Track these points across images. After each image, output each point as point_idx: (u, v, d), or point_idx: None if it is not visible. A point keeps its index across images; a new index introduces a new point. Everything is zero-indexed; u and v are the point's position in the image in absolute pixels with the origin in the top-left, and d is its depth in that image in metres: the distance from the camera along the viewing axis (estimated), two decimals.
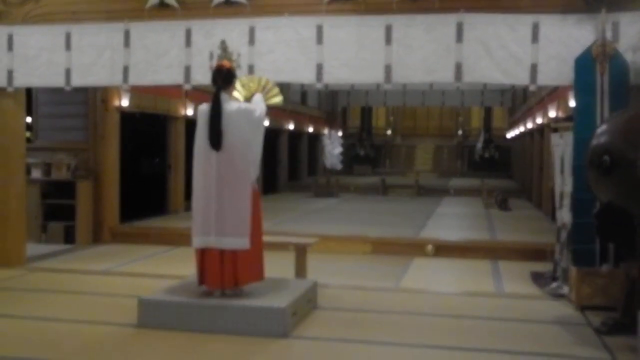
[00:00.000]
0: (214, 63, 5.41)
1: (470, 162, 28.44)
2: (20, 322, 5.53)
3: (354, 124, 30.29)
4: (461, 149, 29.01)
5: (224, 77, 5.34)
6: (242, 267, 5.24)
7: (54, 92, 9.78)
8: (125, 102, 10.45)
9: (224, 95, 5.30)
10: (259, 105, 5.43)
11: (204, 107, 5.33)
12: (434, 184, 21.86)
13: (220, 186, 5.20)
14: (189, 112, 12.88)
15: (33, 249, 8.89)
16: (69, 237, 9.76)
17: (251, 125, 5.28)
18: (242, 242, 5.21)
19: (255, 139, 5.29)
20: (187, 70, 7.40)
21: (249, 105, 5.33)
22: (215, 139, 5.19)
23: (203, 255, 5.29)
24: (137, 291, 6.13)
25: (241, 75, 5.77)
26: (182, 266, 7.88)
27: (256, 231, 5.32)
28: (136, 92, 10.56)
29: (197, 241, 5.29)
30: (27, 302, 6.22)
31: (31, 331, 5.29)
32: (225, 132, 5.19)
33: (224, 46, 5.43)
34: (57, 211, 9.82)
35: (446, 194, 19.51)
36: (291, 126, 20.76)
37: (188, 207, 12.63)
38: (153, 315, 5.29)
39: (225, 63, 5.37)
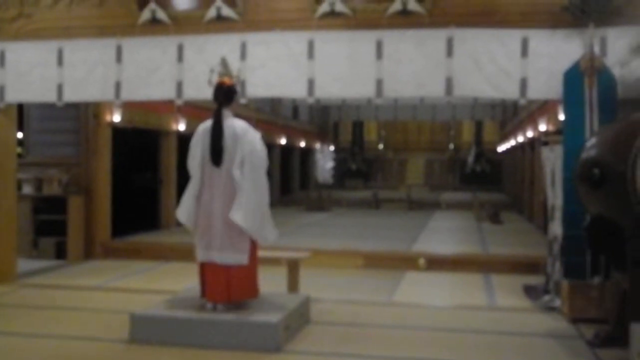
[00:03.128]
0: (214, 79, 5.41)
1: (461, 175, 28.50)
2: (11, 338, 5.49)
3: (346, 138, 30.31)
4: (453, 163, 29.07)
5: (224, 94, 5.35)
6: (235, 283, 5.24)
7: (46, 108, 9.75)
8: (117, 118, 10.45)
9: (225, 113, 5.31)
10: (259, 145, 5.33)
11: (205, 124, 5.36)
12: (426, 197, 21.88)
13: (219, 202, 5.21)
14: (181, 127, 12.88)
15: (24, 264, 8.83)
16: (60, 253, 9.70)
17: (249, 144, 5.24)
18: (240, 258, 5.22)
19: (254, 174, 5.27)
20: (179, 86, 7.41)
21: (254, 133, 5.30)
22: (217, 155, 5.20)
23: (204, 268, 5.30)
24: (129, 306, 6.09)
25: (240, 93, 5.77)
26: (174, 281, 7.84)
27: (252, 248, 5.33)
28: (128, 107, 10.55)
29: (201, 254, 5.31)
30: (18, 319, 6.17)
31: (22, 348, 5.24)
32: (225, 148, 5.20)
33: (224, 62, 5.44)
34: (48, 227, 9.77)
35: (438, 208, 19.53)
36: (283, 141, 20.77)
37: (180, 222, 12.61)
38: (145, 331, 5.26)
39: (227, 80, 5.38)
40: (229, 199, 5.19)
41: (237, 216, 5.11)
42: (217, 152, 5.20)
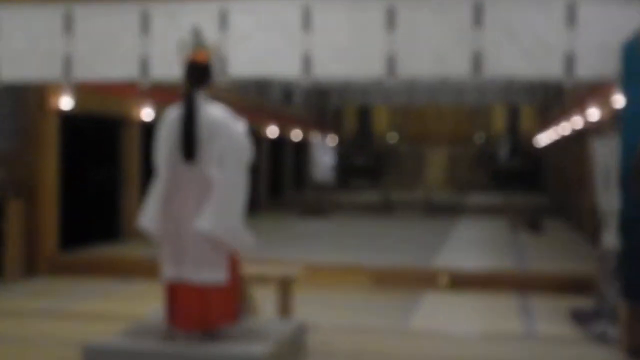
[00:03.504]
0: (185, 55, 5.37)
1: (492, 174, 28.54)
2: None
3: (350, 128, 30.34)
4: (482, 158, 29.12)
5: (198, 74, 5.29)
6: (215, 305, 5.21)
7: None
8: (66, 103, 10.42)
9: (199, 96, 5.25)
10: (243, 139, 5.33)
11: (175, 111, 5.29)
12: (448, 201, 21.88)
13: (194, 206, 5.16)
14: (147, 115, 12.88)
15: None
16: None
17: (229, 133, 5.24)
18: (218, 276, 5.19)
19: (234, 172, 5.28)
20: (145, 63, 7.41)
21: (237, 122, 5.28)
22: (189, 150, 5.14)
23: (172, 288, 5.27)
24: (82, 337, 6.08)
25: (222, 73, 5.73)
26: (139, 304, 7.83)
27: (232, 263, 5.31)
28: (80, 89, 10.52)
29: (166, 271, 5.27)
30: None
31: None
32: (200, 141, 5.14)
33: (197, 32, 5.37)
34: None
35: (463, 214, 19.52)
36: (273, 131, 20.79)
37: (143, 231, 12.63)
38: None
39: (201, 55, 5.33)
40: (204, 202, 5.15)
41: (204, 223, 5.08)
42: (189, 146, 5.14)
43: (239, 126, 5.29)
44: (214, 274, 5.18)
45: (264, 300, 7.09)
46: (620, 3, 6.64)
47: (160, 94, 12.16)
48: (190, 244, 5.16)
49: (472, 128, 30.15)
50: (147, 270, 9.13)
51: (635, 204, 5.72)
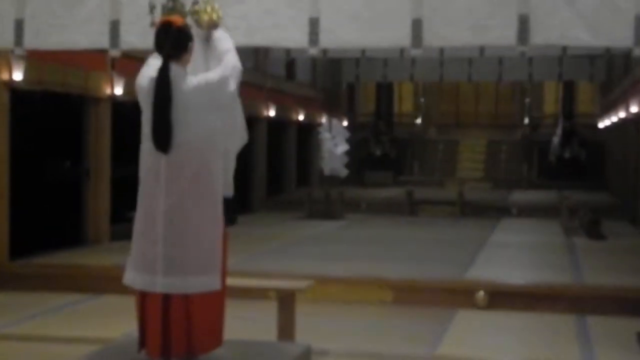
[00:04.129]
0: (157, 18, 5.39)
1: (542, 165, 28.48)
2: None
3: (367, 109, 30.30)
4: (528, 146, 29.05)
5: (174, 40, 5.29)
6: (199, 325, 5.22)
7: None
8: (18, 75, 10.43)
9: (175, 69, 5.25)
10: (229, 63, 5.35)
11: (145, 80, 5.27)
12: (487, 198, 21.82)
13: (172, 204, 5.18)
14: (117, 90, 12.89)
15: None
16: None
17: (220, 110, 5.27)
18: (212, 281, 5.20)
19: (228, 128, 5.31)
20: (114, 28, 7.42)
21: (216, 76, 5.28)
22: (162, 136, 5.14)
23: (144, 302, 5.27)
24: None
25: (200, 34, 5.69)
26: (108, 324, 7.84)
27: (223, 267, 5.34)
28: (35, 60, 10.54)
29: (134, 278, 5.26)
30: None
31: None
32: (179, 123, 5.14)
33: None
34: None
35: (505, 214, 19.46)
36: (270, 112, 20.78)
37: (117, 235, 12.63)
38: None
39: (176, 19, 5.34)
40: (188, 196, 5.17)
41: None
42: (162, 131, 5.15)
43: (221, 72, 5.29)
44: (208, 280, 5.19)
45: (263, 320, 7.10)
46: None
47: (134, 66, 12.14)
48: (172, 245, 5.17)
49: (517, 110, 30.06)
50: (117, 283, 9.13)
51: None
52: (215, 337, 5.35)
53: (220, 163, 5.31)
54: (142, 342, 5.29)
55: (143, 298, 5.25)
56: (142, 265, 5.22)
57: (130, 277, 5.28)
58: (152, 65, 5.28)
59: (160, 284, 5.15)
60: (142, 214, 5.27)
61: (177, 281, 5.17)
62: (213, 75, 5.27)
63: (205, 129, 5.19)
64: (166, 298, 5.17)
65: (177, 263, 5.16)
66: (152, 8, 5.37)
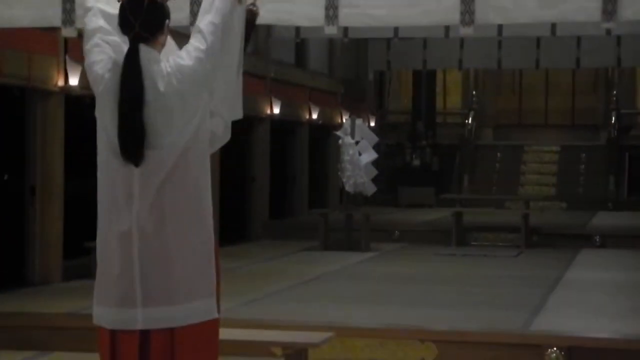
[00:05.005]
0: None
1: (635, 179, 28.41)
2: None
3: (401, 105, 30.36)
4: (617, 154, 28.97)
5: (145, 16, 5.36)
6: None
7: None
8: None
9: (146, 54, 5.33)
10: (208, 36, 5.41)
11: (106, 66, 5.34)
12: (562, 223, 21.80)
13: (148, 223, 5.25)
14: (73, 81, 12.95)
15: None
16: None
17: (199, 102, 5.34)
18: (204, 308, 5.26)
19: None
20: (68, 1, 7.50)
21: (189, 60, 5.35)
22: (132, 142, 5.21)
23: (115, 344, 5.34)
24: None
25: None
26: None
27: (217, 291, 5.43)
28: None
29: (104, 315, 5.34)
30: None
31: None
32: (152, 125, 5.22)
33: None
34: None
35: (586, 244, 19.42)
36: (274, 110, 20.82)
37: (70, 274, 12.65)
38: None
39: None
40: (169, 212, 5.25)
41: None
42: (133, 135, 5.22)
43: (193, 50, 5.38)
44: (201, 306, 5.26)
45: None
46: None
47: None
48: (161, 271, 5.25)
49: (601, 106, 30.04)
50: (72, 336, 9.19)
51: None
52: None
53: (207, 166, 5.37)
54: None
55: (112, 338, 5.32)
56: (113, 299, 5.28)
57: (100, 315, 5.34)
58: (114, 44, 5.33)
59: (141, 319, 5.22)
60: (108, 239, 5.33)
61: (162, 312, 5.24)
62: (186, 59, 5.31)
63: (185, 130, 5.25)
64: (144, 336, 5.24)
65: (160, 291, 5.23)
66: None
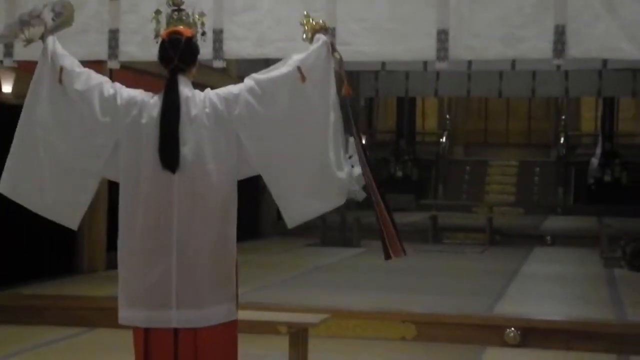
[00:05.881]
0: (162, 28, 5.43)
1: (579, 189, 28.41)
2: None
3: (386, 126, 30.33)
4: (564, 168, 28.96)
5: (181, 52, 5.33)
6: (207, 358, 5.25)
7: None
8: (7, 88, 10.51)
9: (183, 81, 5.29)
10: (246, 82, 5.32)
11: (149, 100, 5.29)
12: (519, 225, 21.77)
13: (184, 228, 5.20)
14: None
15: None
16: None
17: (228, 126, 5.28)
18: (224, 312, 5.21)
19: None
20: (113, 37, 7.48)
21: (229, 90, 5.30)
22: (169, 153, 5.16)
23: (148, 339, 5.29)
24: None
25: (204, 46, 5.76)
26: None
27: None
28: (26, 72, 10.60)
29: (137, 317, 5.28)
30: None
31: None
32: (186, 140, 5.16)
33: (177, 1, 5.43)
34: None
35: (539, 243, 19.40)
36: None
37: (112, 264, 12.61)
38: None
39: (184, 30, 5.38)
40: (202, 219, 5.19)
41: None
42: (170, 148, 5.17)
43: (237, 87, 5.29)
44: (224, 310, 5.21)
45: (272, 357, 7.11)
46: None
47: (133, 78, 12.19)
48: (192, 276, 5.19)
49: (552, 128, 30.03)
50: (113, 316, 9.15)
51: None
52: None
53: (234, 184, 5.30)
54: None
55: (147, 335, 5.27)
56: (150, 300, 5.23)
57: (133, 316, 5.27)
58: (148, 96, 5.24)
59: (175, 319, 5.18)
60: (144, 246, 5.26)
61: (192, 314, 5.20)
62: (231, 89, 5.25)
63: (215, 149, 5.20)
64: (175, 333, 5.21)
65: (192, 296, 5.19)
66: (157, 13, 5.40)
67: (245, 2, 7.28)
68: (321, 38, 5.26)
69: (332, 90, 5.39)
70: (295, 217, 5.29)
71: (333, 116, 5.38)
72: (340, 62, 5.40)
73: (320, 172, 5.26)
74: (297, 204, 5.31)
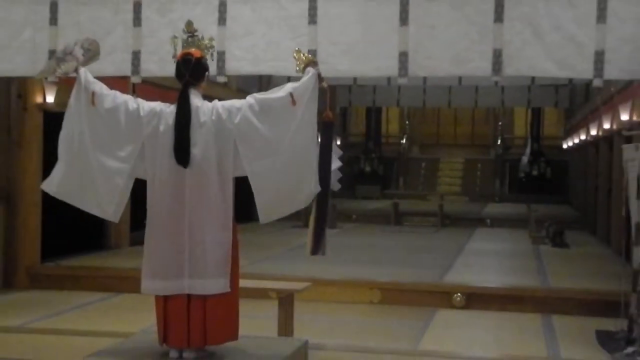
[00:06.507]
0: (178, 50, 5.46)
1: (513, 181, 28.50)
2: None
3: (358, 130, 30.32)
4: (501, 165, 29.08)
5: (192, 70, 5.38)
6: (213, 319, 5.24)
7: None
8: (50, 99, 10.44)
9: (193, 93, 5.33)
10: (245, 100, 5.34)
11: (166, 110, 5.32)
12: (464, 211, 21.85)
13: (193, 214, 5.23)
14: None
15: None
16: None
17: (227, 133, 5.29)
18: (223, 284, 5.24)
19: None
20: (136, 57, 7.43)
21: (232, 103, 5.33)
22: (182, 152, 5.20)
23: (167, 304, 5.30)
24: (65, 355, 6.09)
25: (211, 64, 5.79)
26: (127, 320, 7.85)
27: (234, 274, 5.36)
28: (65, 85, 10.53)
29: (156, 287, 5.28)
30: None
31: None
32: (195, 142, 5.21)
33: (190, 28, 5.47)
34: None
35: (480, 225, 19.49)
36: None
37: (135, 241, 12.60)
38: None
39: (195, 52, 5.42)
40: (203, 209, 5.21)
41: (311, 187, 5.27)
42: (182, 148, 5.22)
43: (238, 102, 5.31)
44: (221, 282, 5.23)
45: (265, 318, 7.10)
46: None
47: (152, 91, 12.14)
48: (195, 253, 5.22)
49: (491, 132, 30.10)
50: (137, 283, 9.12)
51: None
52: (229, 331, 5.38)
53: (231, 177, 5.31)
54: (164, 337, 5.30)
55: (165, 300, 5.28)
56: (168, 272, 5.25)
57: (154, 286, 5.29)
58: (165, 106, 5.33)
59: (187, 286, 5.21)
60: (164, 229, 5.29)
61: (199, 283, 5.23)
62: (232, 103, 5.30)
63: (217, 148, 5.24)
64: (188, 298, 5.22)
65: (199, 268, 5.23)
66: (174, 40, 5.45)
67: (244, 30, 7.25)
68: (311, 71, 5.34)
69: (315, 112, 5.39)
70: (269, 217, 5.39)
71: (314, 134, 5.38)
72: (325, 92, 5.47)
73: (296, 184, 5.32)
74: (272, 208, 5.38)
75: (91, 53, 5.59)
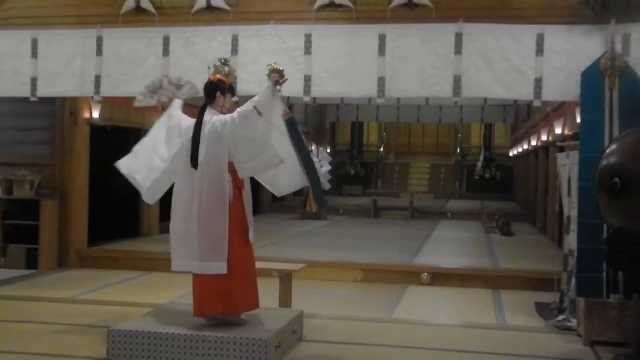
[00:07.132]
0: (210, 75, 5.58)
1: (469, 182, 28.51)
2: None
3: (344, 140, 30.30)
4: (460, 169, 29.09)
5: (206, 91, 5.51)
6: (231, 293, 5.39)
7: (18, 103, 9.74)
8: (96, 115, 10.42)
9: (209, 111, 5.44)
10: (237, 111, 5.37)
11: (192, 125, 5.51)
12: (430, 206, 21.86)
13: (200, 209, 5.30)
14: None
15: None
16: (31, 262, 9.67)
17: (223, 141, 5.34)
18: (221, 266, 5.26)
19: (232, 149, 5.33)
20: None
21: (225, 118, 5.38)
22: (194, 157, 5.36)
23: (195, 278, 5.43)
24: (107, 321, 6.08)
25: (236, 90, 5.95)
26: (157, 294, 7.83)
27: (249, 256, 5.46)
28: (108, 103, 10.53)
29: (179, 265, 5.42)
30: None
31: None
32: (201, 147, 5.35)
33: (224, 61, 5.59)
34: (18, 233, 9.73)
35: (443, 218, 19.49)
36: None
37: (163, 230, 12.58)
38: (124, 348, 5.25)
39: (213, 77, 5.54)
40: (210, 202, 5.29)
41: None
42: (192, 152, 5.36)
43: (223, 117, 5.35)
44: (220, 264, 5.27)
45: (268, 292, 7.09)
46: (583, 35, 6.68)
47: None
48: (197, 238, 5.26)
49: (452, 143, 30.12)
50: (165, 264, 9.08)
51: (592, 212, 5.71)
52: (250, 302, 5.52)
53: (226, 176, 5.30)
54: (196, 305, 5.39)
55: (194, 276, 5.38)
56: (184, 254, 5.37)
57: (177, 265, 5.42)
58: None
59: (197, 267, 5.27)
60: (182, 218, 5.39)
61: (205, 265, 5.29)
62: (219, 117, 5.35)
63: (217, 154, 5.31)
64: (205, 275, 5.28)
65: (204, 252, 5.26)
66: (209, 70, 5.58)
67: (251, 59, 7.27)
68: (266, 83, 5.35)
69: (279, 116, 5.39)
70: (282, 191, 5.82)
71: (285, 131, 5.38)
72: (283, 97, 5.63)
73: (284, 167, 5.50)
74: (281, 184, 5.73)
75: (186, 89, 5.93)
